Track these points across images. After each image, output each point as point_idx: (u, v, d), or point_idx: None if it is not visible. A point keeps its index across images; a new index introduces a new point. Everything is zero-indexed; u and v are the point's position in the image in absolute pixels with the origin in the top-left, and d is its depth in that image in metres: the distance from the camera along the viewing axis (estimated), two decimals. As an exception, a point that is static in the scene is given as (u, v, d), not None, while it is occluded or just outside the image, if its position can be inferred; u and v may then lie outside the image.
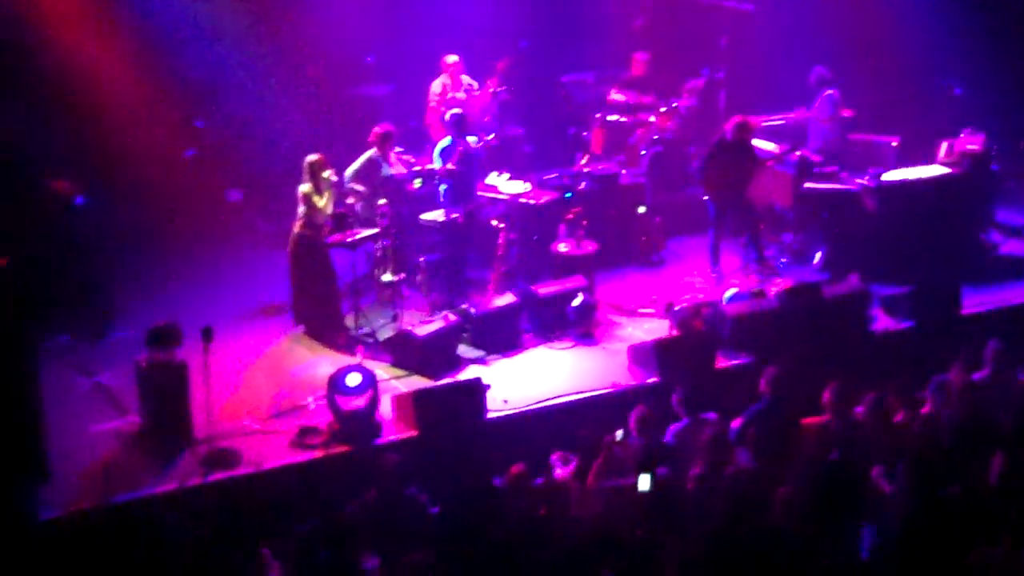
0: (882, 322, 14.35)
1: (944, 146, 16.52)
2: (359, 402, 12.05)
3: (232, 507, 11.08)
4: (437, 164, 15.20)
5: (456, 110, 15.75)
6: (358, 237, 14.18)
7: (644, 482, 9.96)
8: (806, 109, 17.13)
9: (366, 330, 14.09)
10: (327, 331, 14.22)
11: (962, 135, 16.52)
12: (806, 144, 16.60)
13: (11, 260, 11.54)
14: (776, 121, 17.39)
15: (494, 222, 15.23)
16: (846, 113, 17.39)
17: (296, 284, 14.38)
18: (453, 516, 10.15)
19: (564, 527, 9.75)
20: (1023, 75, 19.07)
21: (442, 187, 15.20)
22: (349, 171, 15.06)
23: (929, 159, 16.48)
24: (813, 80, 17.00)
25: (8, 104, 14.82)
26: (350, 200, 14.72)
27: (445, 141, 15.39)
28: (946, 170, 16.17)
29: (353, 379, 12.08)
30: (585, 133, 17.84)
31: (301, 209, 14.15)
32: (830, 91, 16.96)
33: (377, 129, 15.29)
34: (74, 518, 10.89)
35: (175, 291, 15.16)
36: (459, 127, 15.35)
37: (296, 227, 14.21)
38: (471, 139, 15.69)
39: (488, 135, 16.91)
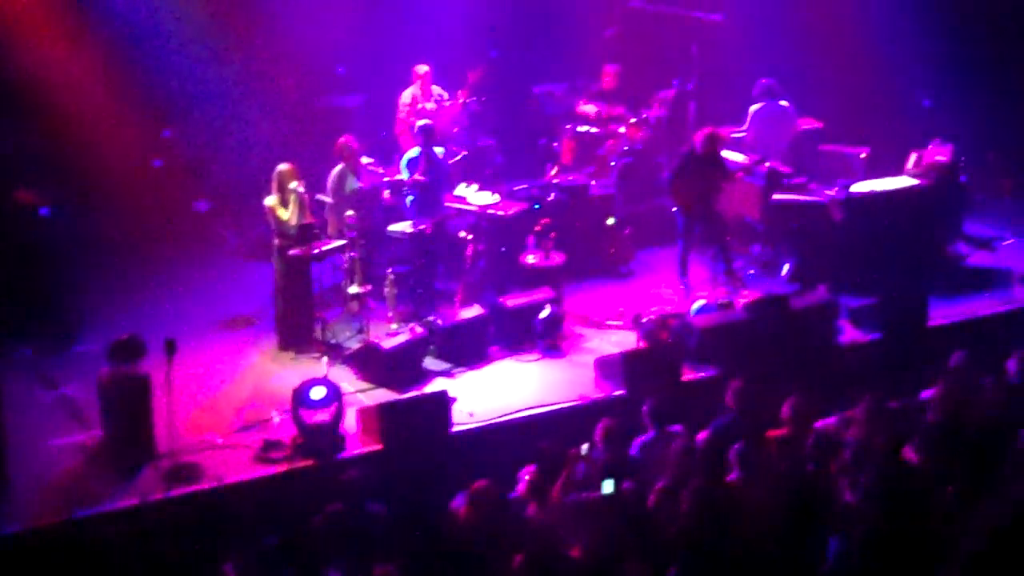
0: (849, 334, 14.36)
1: (912, 157, 16.56)
2: (323, 416, 11.99)
3: (195, 522, 11.04)
4: (404, 175, 15.17)
5: (425, 121, 15.73)
6: (325, 249, 14.11)
7: (608, 486, 9.98)
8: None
9: (332, 342, 14.02)
10: (295, 343, 14.15)
11: (930, 147, 16.56)
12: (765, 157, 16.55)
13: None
14: (745, 133, 17.39)
15: (462, 233, 15.19)
16: (804, 125, 17.44)
17: (276, 295, 14.32)
18: (415, 530, 10.07)
19: (524, 541, 9.71)
20: (991, 87, 19.12)
21: (409, 198, 15.16)
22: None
23: (897, 171, 16.52)
24: (757, 92, 17.01)
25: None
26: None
27: (412, 152, 15.37)
28: (914, 182, 16.20)
29: (318, 392, 12.02)
30: (555, 144, 17.84)
31: (271, 221, 14.11)
32: (781, 103, 16.97)
33: (340, 140, 15.24)
34: (35, 533, 10.80)
35: (140, 303, 15.07)
36: (427, 138, 15.33)
37: (274, 239, 14.17)
38: (438, 150, 15.65)
39: (459, 147, 16.87)
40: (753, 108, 17.02)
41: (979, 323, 14.67)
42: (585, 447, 10.82)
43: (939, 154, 16.42)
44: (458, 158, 16.55)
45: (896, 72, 18.80)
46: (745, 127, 17.09)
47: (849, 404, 11.42)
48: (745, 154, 16.54)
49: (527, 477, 10.72)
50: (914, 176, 16.29)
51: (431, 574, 9.55)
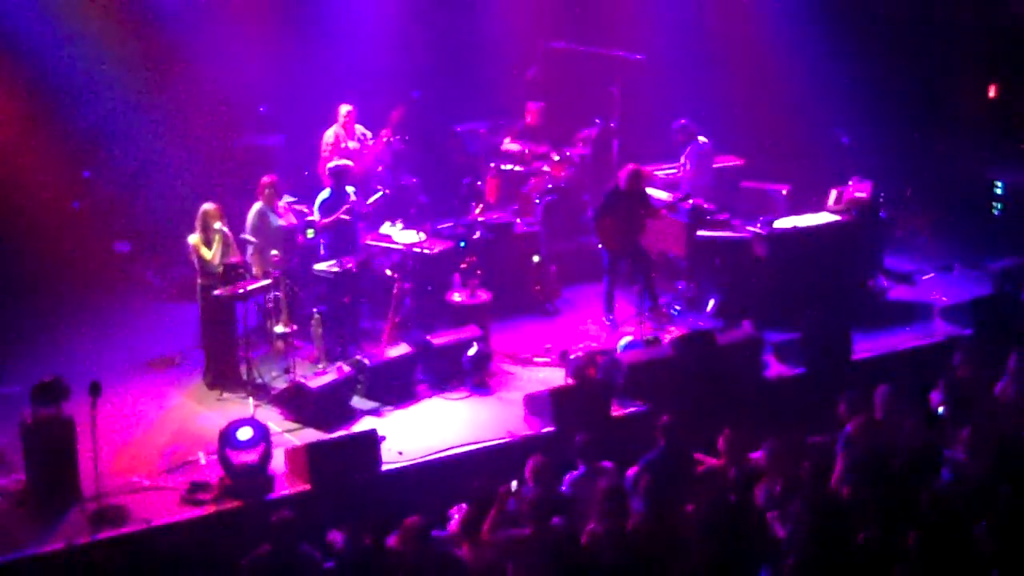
0: (775, 368, 14.49)
1: (833, 194, 16.79)
2: (251, 456, 11.89)
3: (122, 565, 10.91)
4: (316, 216, 15.17)
5: (338, 161, 15.73)
6: (249, 288, 14.02)
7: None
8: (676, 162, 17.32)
9: (259, 382, 13.91)
10: (221, 383, 14.04)
11: (850, 183, 16.80)
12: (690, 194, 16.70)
13: None
14: (668, 170, 17.54)
15: (388, 272, 15.15)
16: (720, 161, 17.64)
17: (203, 335, 14.20)
18: (346, 571, 10.00)
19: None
20: (909, 123, 19.46)
21: (320, 241, 15.18)
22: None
23: (819, 207, 16.73)
24: (679, 134, 17.22)
25: None
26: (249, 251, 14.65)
27: (324, 193, 15.35)
28: (835, 217, 16.40)
29: (244, 433, 11.92)
30: (479, 182, 17.88)
31: (194, 260, 14.00)
32: (700, 139, 17.17)
33: (263, 180, 15.17)
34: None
35: (62, 345, 14.91)
36: (339, 179, 15.32)
37: (198, 279, 14.07)
38: (349, 189, 15.60)
39: (382, 186, 16.86)
40: (688, 148, 17.17)
41: (901, 356, 14.85)
42: (515, 484, 10.80)
43: (859, 190, 16.66)
44: (376, 196, 16.50)
45: (816, 110, 19.07)
46: (685, 164, 17.21)
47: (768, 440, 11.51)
48: (670, 191, 16.70)
49: (458, 515, 10.70)
50: (835, 212, 16.50)
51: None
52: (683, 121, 17.38)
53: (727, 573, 10.02)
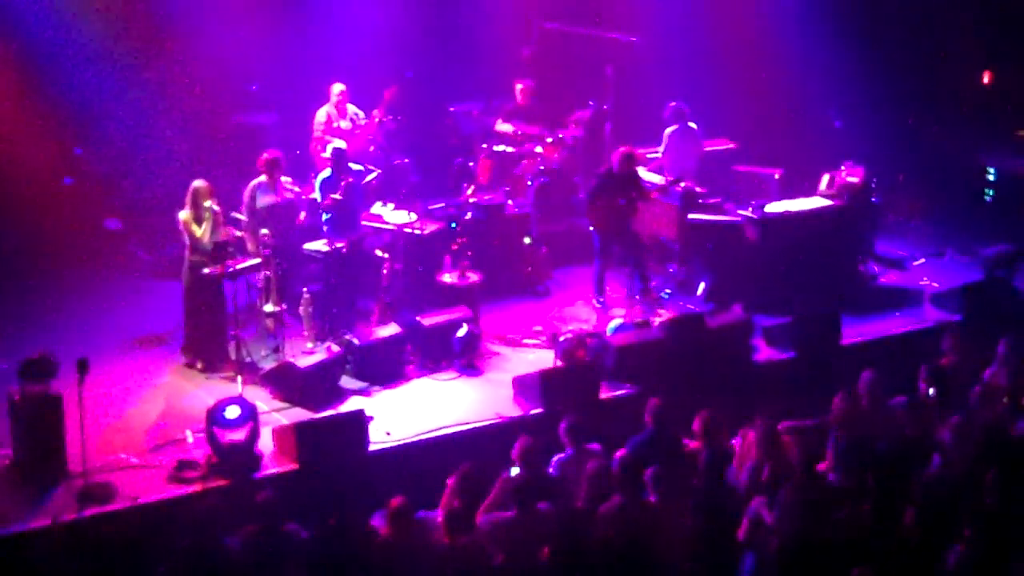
0: (764, 352, 14.49)
1: (825, 178, 16.75)
2: (238, 435, 11.89)
3: (108, 542, 10.89)
4: (318, 195, 15.11)
5: (336, 143, 15.66)
6: (239, 267, 13.97)
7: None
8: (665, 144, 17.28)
9: (248, 361, 13.88)
10: (211, 361, 14.02)
11: (843, 168, 16.76)
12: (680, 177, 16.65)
13: None
14: (661, 154, 17.51)
15: (379, 252, 15.12)
16: (707, 146, 17.61)
17: (186, 312, 14.17)
18: (333, 549, 9.99)
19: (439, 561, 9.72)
20: (902, 108, 19.44)
21: (325, 216, 15.09)
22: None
23: (810, 191, 16.71)
24: (668, 115, 17.16)
25: None
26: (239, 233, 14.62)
27: (326, 172, 15.30)
28: (827, 202, 16.39)
29: (232, 411, 11.92)
30: (471, 163, 17.84)
31: (185, 237, 13.96)
32: (690, 124, 17.12)
33: (265, 155, 15.07)
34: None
35: (51, 321, 14.86)
36: (338, 162, 15.26)
37: (186, 255, 14.03)
38: (356, 166, 15.57)
39: (374, 166, 16.81)
40: (668, 130, 17.15)
41: (891, 341, 14.86)
42: (515, 470, 10.78)
43: (851, 175, 16.64)
44: (371, 176, 16.47)
45: (809, 94, 19.06)
46: (661, 149, 17.20)
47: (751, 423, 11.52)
48: (661, 174, 16.68)
49: (450, 498, 10.66)
50: (827, 197, 16.48)
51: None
52: (675, 104, 17.32)
53: (710, 556, 10.09)
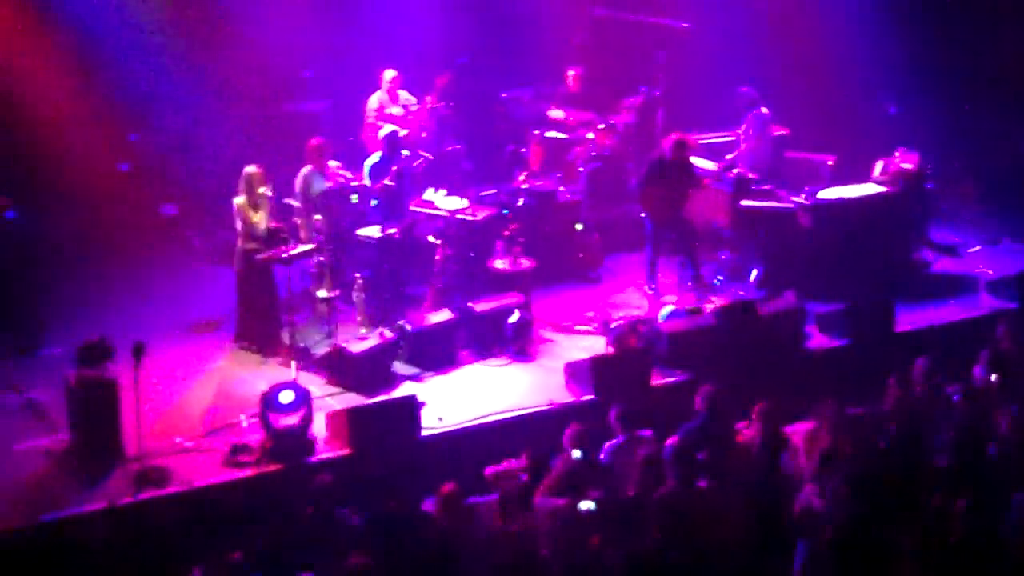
0: (817, 340, 14.42)
1: (879, 165, 16.61)
2: (292, 419, 11.94)
3: (163, 526, 10.99)
4: (367, 181, 15.16)
5: (390, 127, 15.70)
6: (293, 253, 14.05)
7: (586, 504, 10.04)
8: (736, 129, 17.16)
9: (301, 346, 13.96)
10: (264, 347, 14.11)
11: (897, 154, 16.63)
12: (734, 163, 16.60)
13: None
14: (713, 139, 17.42)
15: (431, 238, 15.17)
16: (777, 131, 17.48)
17: (240, 298, 14.26)
18: (386, 533, 10.05)
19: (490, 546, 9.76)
20: (957, 94, 19.25)
21: (373, 202, 15.14)
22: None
23: (864, 177, 16.57)
24: (741, 101, 17.05)
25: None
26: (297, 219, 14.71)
27: (374, 157, 15.35)
28: (881, 188, 16.26)
29: (286, 396, 11.98)
30: (523, 149, 17.81)
31: (239, 223, 14.05)
32: (762, 109, 17.01)
33: (311, 142, 15.19)
34: (1, 537, 10.70)
35: (107, 306, 14.98)
36: (392, 145, 15.30)
37: (239, 242, 14.11)
38: (404, 152, 15.62)
39: (424, 152, 16.84)
40: (749, 115, 16.96)
41: (946, 329, 14.75)
42: (576, 453, 10.79)
43: (905, 161, 16.51)
44: (419, 161, 16.49)
45: (862, 79, 18.91)
46: (742, 132, 17.02)
47: (816, 409, 11.49)
48: (724, 156, 16.58)
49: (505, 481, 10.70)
50: (880, 183, 16.35)
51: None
52: (747, 89, 17.18)
53: (763, 545, 10.06)
